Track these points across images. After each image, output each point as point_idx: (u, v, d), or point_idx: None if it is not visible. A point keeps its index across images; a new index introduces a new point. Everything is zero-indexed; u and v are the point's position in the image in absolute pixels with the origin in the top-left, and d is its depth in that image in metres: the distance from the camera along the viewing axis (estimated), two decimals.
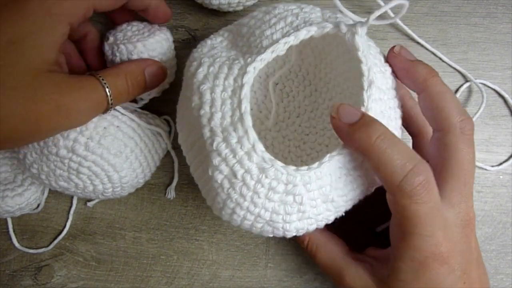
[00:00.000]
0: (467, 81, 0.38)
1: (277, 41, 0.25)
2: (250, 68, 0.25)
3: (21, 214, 0.35)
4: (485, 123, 0.38)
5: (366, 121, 0.24)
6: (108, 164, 0.31)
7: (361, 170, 0.26)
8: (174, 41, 0.37)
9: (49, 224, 0.37)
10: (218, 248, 0.37)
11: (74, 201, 0.37)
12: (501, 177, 0.38)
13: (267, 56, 0.25)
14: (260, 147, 0.24)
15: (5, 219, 0.36)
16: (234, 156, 0.24)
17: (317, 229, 0.27)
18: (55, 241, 0.37)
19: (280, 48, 0.25)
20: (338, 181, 0.25)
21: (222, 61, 0.26)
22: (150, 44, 0.31)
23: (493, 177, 0.38)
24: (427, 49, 0.38)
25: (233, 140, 0.24)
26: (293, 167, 0.24)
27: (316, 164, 0.24)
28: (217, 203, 0.26)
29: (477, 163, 0.37)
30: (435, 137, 0.27)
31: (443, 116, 0.25)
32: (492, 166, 0.38)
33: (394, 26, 0.38)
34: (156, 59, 0.32)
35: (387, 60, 0.28)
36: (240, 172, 0.24)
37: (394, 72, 0.28)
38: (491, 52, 0.38)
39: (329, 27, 0.26)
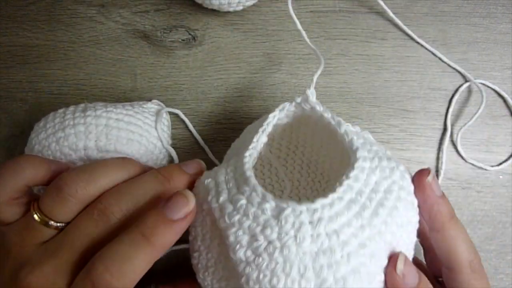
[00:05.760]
0: (467, 81, 0.38)
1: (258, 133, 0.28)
2: (246, 158, 0.26)
3: None
4: (485, 123, 0.38)
5: (424, 285, 0.24)
6: (126, 156, 0.31)
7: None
8: (173, 41, 0.37)
9: None
10: None
11: None
12: (501, 177, 0.38)
13: (254, 144, 0.27)
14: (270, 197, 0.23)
15: None
16: (247, 217, 0.23)
17: None
18: None
19: (262, 138, 0.28)
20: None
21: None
22: None
23: (493, 177, 0.38)
24: (427, 49, 0.38)
25: (243, 202, 0.23)
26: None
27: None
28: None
29: (477, 163, 0.37)
30: (447, 274, 0.27)
31: (456, 259, 0.26)
32: (492, 166, 0.38)
33: (394, 26, 0.38)
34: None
35: (413, 181, 0.27)
36: (258, 229, 0.22)
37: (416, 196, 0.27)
38: (491, 52, 0.38)
39: (287, 104, 0.29)
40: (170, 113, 0.37)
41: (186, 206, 0.24)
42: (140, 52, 0.37)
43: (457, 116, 0.38)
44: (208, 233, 0.26)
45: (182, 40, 0.38)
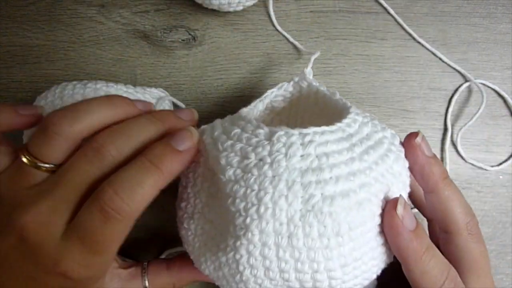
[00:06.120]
0: (467, 81, 0.38)
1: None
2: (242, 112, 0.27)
3: None
4: (485, 123, 0.38)
5: (421, 231, 0.24)
6: None
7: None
8: (173, 41, 0.37)
9: None
10: None
11: None
12: (500, 177, 0.38)
13: (252, 107, 0.29)
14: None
15: None
16: (241, 141, 0.23)
17: None
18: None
19: (259, 106, 0.29)
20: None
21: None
22: None
23: (492, 177, 0.38)
24: (427, 49, 0.38)
25: (237, 130, 0.24)
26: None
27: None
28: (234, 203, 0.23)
29: (477, 163, 0.37)
30: (444, 238, 0.27)
31: (452, 220, 0.26)
32: (492, 166, 0.38)
33: (394, 26, 0.38)
34: None
35: (403, 144, 0.27)
36: (249, 149, 0.23)
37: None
38: (491, 52, 0.38)
39: (285, 83, 0.30)
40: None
41: (191, 138, 0.25)
42: (140, 52, 0.37)
43: (457, 116, 0.38)
44: (200, 177, 0.26)
45: (182, 40, 0.37)
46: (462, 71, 0.38)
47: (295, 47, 0.36)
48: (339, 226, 0.22)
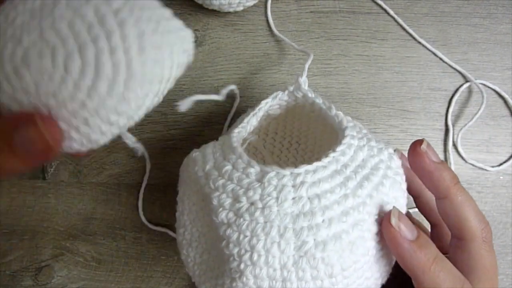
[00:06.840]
0: (467, 81, 0.38)
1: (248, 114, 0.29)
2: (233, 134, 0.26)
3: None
4: (485, 123, 0.38)
5: (425, 240, 0.24)
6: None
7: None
8: None
9: (49, 225, 0.37)
10: None
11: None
12: (501, 177, 0.38)
13: (245, 124, 0.28)
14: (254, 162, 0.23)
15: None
16: (232, 181, 0.23)
17: None
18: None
19: (252, 121, 0.29)
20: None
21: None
22: None
23: (493, 177, 0.38)
24: (427, 49, 0.38)
25: (228, 167, 0.24)
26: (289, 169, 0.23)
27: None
28: (229, 252, 0.22)
29: (477, 164, 0.37)
30: (456, 245, 0.26)
31: (467, 226, 0.26)
32: (492, 167, 0.38)
33: (394, 27, 0.38)
34: None
35: (408, 154, 0.26)
36: (241, 192, 0.23)
37: (413, 169, 0.26)
38: (491, 53, 0.38)
39: (280, 92, 0.29)
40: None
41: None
42: None
43: (457, 117, 0.38)
44: (195, 205, 0.26)
45: None
46: (463, 71, 0.38)
47: (294, 48, 0.36)
48: (332, 268, 0.22)
